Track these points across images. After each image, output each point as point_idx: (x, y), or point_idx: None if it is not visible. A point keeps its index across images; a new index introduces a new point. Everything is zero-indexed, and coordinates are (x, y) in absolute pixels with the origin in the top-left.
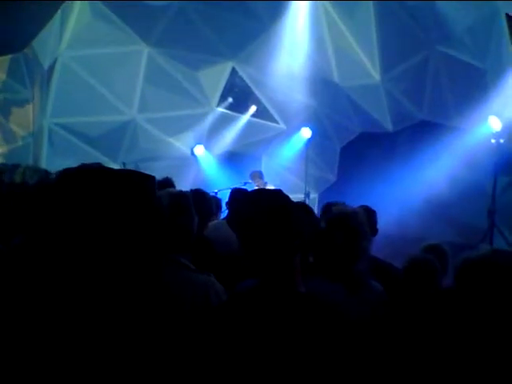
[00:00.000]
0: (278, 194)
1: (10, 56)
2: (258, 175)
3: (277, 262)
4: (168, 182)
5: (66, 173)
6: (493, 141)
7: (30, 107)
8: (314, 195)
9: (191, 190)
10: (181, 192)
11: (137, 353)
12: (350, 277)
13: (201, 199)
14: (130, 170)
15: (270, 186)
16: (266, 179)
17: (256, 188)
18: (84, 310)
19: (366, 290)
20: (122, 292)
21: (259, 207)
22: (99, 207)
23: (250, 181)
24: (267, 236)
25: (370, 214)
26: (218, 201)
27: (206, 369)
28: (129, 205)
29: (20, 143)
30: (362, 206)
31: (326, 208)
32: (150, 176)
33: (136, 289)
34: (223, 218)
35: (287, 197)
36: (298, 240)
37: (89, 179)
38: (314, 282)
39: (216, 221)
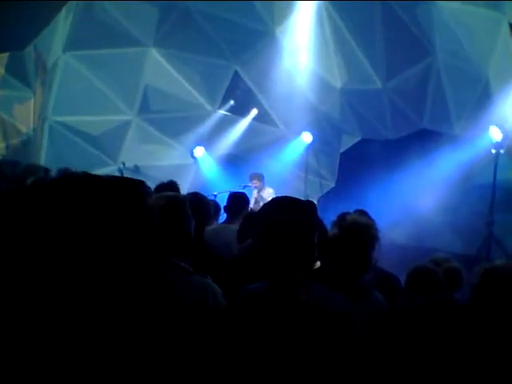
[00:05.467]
0: (309, 205)
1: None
2: (258, 177)
3: (297, 269)
4: (172, 185)
5: (58, 180)
6: (493, 151)
7: (30, 104)
8: (313, 200)
9: (189, 194)
10: (177, 195)
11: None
12: (354, 286)
13: (199, 203)
14: (121, 178)
15: (268, 189)
16: (265, 183)
17: (255, 190)
18: (82, 314)
19: (369, 301)
20: (120, 297)
21: (292, 216)
22: (91, 215)
23: (250, 183)
24: (295, 244)
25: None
26: (216, 204)
27: (208, 370)
28: (120, 212)
29: (20, 139)
30: (359, 211)
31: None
32: (140, 182)
33: (136, 294)
34: (222, 222)
35: (316, 209)
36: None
37: (81, 186)
38: (316, 289)
39: (215, 225)
